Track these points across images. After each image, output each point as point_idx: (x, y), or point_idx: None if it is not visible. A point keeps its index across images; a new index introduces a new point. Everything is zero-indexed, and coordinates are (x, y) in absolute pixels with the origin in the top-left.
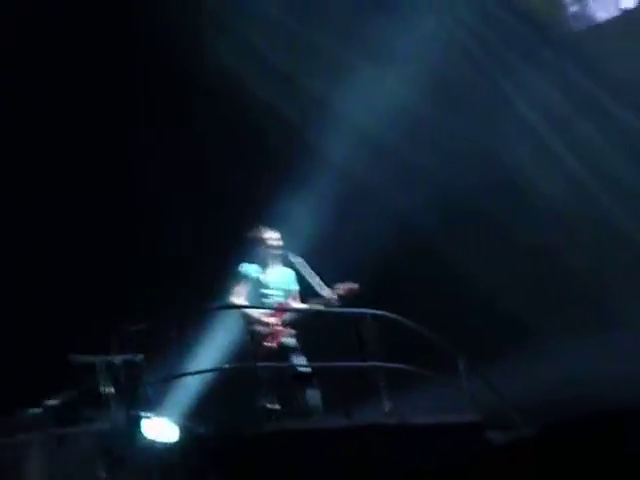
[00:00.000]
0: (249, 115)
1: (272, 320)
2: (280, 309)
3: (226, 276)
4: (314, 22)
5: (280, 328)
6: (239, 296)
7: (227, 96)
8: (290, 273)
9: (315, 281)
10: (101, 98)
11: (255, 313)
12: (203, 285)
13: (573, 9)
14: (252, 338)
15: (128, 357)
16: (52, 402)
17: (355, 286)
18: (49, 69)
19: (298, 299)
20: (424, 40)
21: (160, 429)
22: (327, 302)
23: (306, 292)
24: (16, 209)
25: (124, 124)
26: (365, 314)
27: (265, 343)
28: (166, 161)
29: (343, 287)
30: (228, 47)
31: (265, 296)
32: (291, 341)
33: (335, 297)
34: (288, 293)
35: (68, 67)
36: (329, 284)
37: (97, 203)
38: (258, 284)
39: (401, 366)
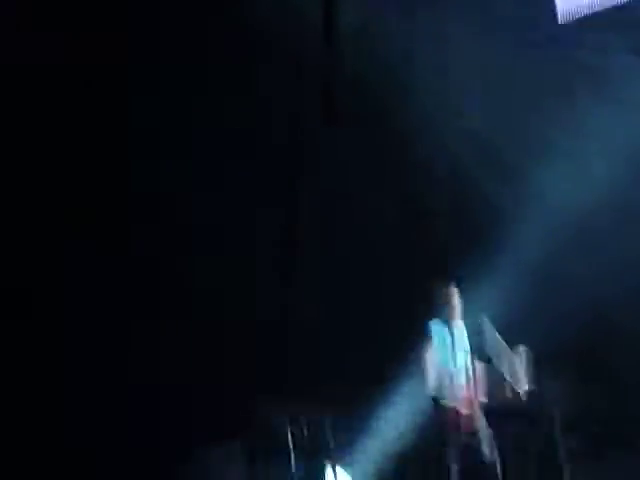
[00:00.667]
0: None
1: (464, 407)
2: (470, 398)
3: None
4: None
5: (471, 413)
6: (430, 359)
7: None
8: (464, 332)
9: (507, 359)
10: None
11: (447, 401)
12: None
13: None
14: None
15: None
16: None
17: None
18: None
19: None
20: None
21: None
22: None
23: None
24: None
25: None
26: (554, 415)
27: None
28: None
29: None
30: None
31: (452, 357)
32: (482, 428)
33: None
34: (468, 353)
35: None
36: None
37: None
38: (445, 345)
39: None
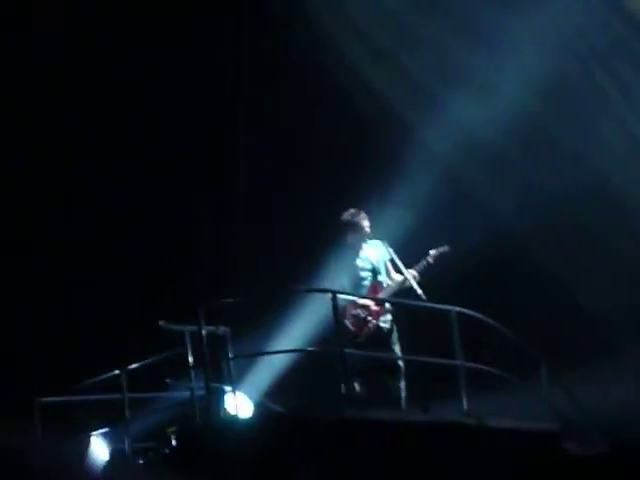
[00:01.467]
0: (356, 100)
1: (368, 302)
2: (375, 290)
3: (318, 258)
4: (432, 16)
5: (375, 307)
6: (332, 279)
7: (338, 81)
8: (377, 246)
9: (403, 270)
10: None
11: (349, 298)
12: (294, 265)
13: None
14: (350, 321)
15: (214, 329)
16: (133, 366)
17: (446, 249)
18: None
19: (390, 268)
20: (536, 39)
21: (238, 404)
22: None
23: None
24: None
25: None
26: (450, 311)
27: (364, 326)
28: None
29: (435, 253)
30: (345, 37)
31: (360, 279)
32: (389, 325)
33: (417, 275)
34: (378, 270)
35: None
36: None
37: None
38: (351, 268)
39: (485, 367)
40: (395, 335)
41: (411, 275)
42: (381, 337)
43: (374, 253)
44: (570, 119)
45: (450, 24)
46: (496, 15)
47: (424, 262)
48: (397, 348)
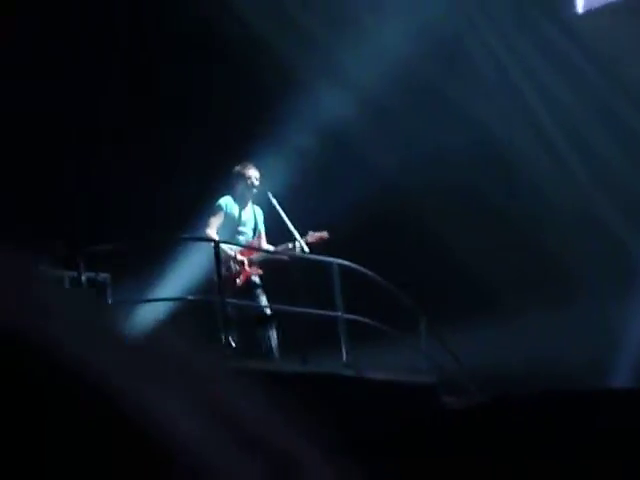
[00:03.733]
0: (243, 50)
1: (244, 258)
2: (253, 248)
3: (202, 206)
4: None
5: (249, 267)
6: (215, 229)
7: (222, 29)
8: (260, 212)
9: (289, 225)
10: None
11: (228, 249)
12: (177, 213)
13: None
14: (224, 273)
15: (93, 276)
16: None
17: (325, 235)
18: None
19: (263, 239)
20: (433, 7)
21: None
22: (298, 247)
23: (275, 233)
24: None
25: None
26: (332, 263)
27: (235, 279)
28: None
29: (314, 235)
30: None
31: (239, 233)
32: (258, 281)
33: (305, 245)
34: (257, 232)
35: None
36: (300, 231)
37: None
38: (234, 220)
39: (364, 319)
40: (259, 289)
41: (295, 230)
42: (248, 291)
43: (261, 217)
44: (458, 78)
45: None
46: None
47: (301, 243)
48: (264, 299)
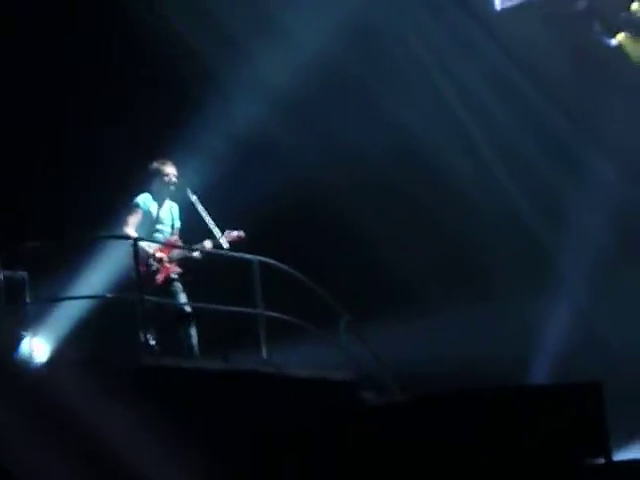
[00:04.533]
0: (163, 46)
1: (163, 255)
2: (171, 245)
3: (120, 204)
4: None
5: (168, 264)
6: (133, 227)
7: (143, 27)
8: (176, 209)
9: (209, 222)
10: None
11: (147, 247)
12: (95, 210)
13: None
14: (143, 270)
15: (12, 274)
16: None
17: (242, 234)
18: None
19: (178, 236)
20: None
21: (34, 348)
22: (217, 245)
23: (192, 230)
24: None
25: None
26: (252, 260)
27: (154, 277)
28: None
29: (231, 234)
30: None
31: (157, 231)
32: (177, 278)
33: (226, 242)
34: (174, 229)
35: None
36: (220, 229)
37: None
38: (152, 218)
39: (284, 317)
40: (179, 286)
41: (215, 226)
42: (167, 289)
43: (177, 214)
44: (378, 75)
45: None
46: None
47: (221, 240)
48: (183, 296)
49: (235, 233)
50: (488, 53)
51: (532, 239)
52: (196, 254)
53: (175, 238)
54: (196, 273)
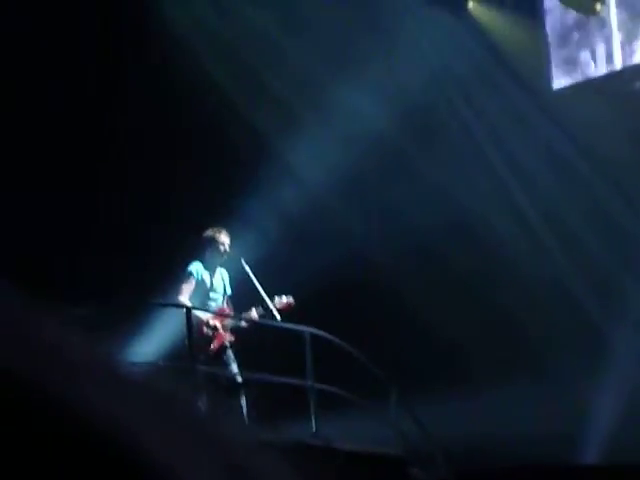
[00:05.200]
0: (220, 119)
1: (217, 323)
2: (225, 314)
3: (173, 272)
4: (298, 35)
5: (222, 332)
6: (186, 295)
7: (201, 99)
8: (226, 276)
9: (261, 291)
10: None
11: (200, 314)
12: (150, 279)
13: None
14: (196, 338)
15: None
16: None
17: (292, 301)
18: None
19: (230, 304)
20: (405, 75)
21: None
22: (268, 313)
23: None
24: None
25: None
26: (304, 331)
27: (209, 345)
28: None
29: (281, 301)
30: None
31: (210, 299)
32: (229, 347)
33: (277, 312)
34: (226, 296)
35: None
36: (270, 296)
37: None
38: (205, 286)
39: (334, 389)
40: (231, 355)
41: (267, 297)
42: (219, 358)
43: (227, 281)
44: (431, 150)
45: (315, 45)
46: (364, 40)
47: (268, 310)
48: (235, 366)
49: (285, 300)
50: (543, 131)
51: (583, 315)
52: (244, 324)
53: (228, 307)
54: (246, 342)
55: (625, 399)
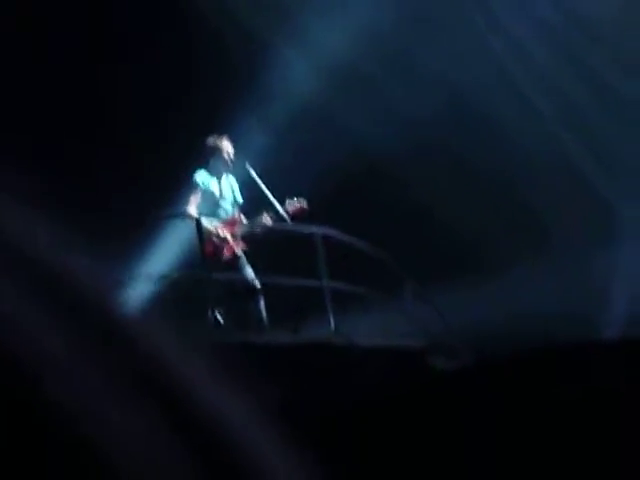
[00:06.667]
0: (211, 23)
1: (227, 232)
2: (235, 222)
3: (181, 182)
4: None
5: (233, 242)
6: (194, 206)
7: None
8: (235, 183)
9: (270, 196)
10: None
11: (209, 225)
12: (158, 190)
13: None
14: (207, 249)
15: None
16: None
17: (304, 205)
18: None
19: (240, 211)
20: None
21: None
22: (280, 218)
23: (256, 204)
24: None
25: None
26: (315, 232)
27: (220, 255)
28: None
29: (293, 205)
30: None
31: (218, 207)
32: (242, 254)
33: (287, 215)
34: (236, 204)
35: None
36: (279, 200)
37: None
38: (212, 195)
39: (350, 287)
40: (244, 261)
41: (275, 200)
42: (234, 264)
43: (237, 189)
44: (426, 37)
45: None
46: None
47: (279, 215)
48: (250, 271)
49: (297, 204)
50: (538, 6)
51: (591, 191)
52: (258, 230)
53: (238, 214)
54: (260, 247)
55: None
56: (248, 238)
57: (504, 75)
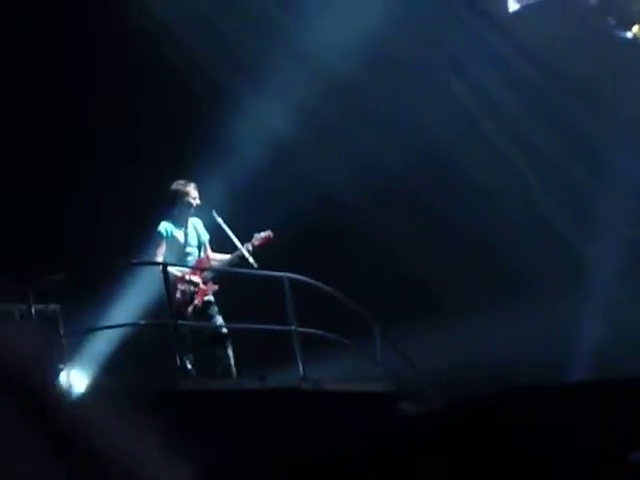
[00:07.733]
0: (178, 69)
1: (196, 278)
2: (202, 268)
3: (145, 230)
4: None
5: (204, 286)
6: (160, 257)
7: (157, 49)
8: (200, 224)
9: (236, 242)
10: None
11: (177, 272)
12: (121, 239)
13: None
14: (178, 297)
15: (44, 308)
16: None
17: (270, 234)
18: None
19: (209, 249)
20: (361, 13)
21: (73, 380)
22: (242, 256)
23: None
24: None
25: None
26: (283, 277)
27: (191, 302)
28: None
29: (259, 236)
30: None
31: (186, 254)
32: (212, 299)
33: (252, 259)
34: (203, 245)
35: None
36: (245, 238)
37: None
38: (178, 243)
39: (318, 332)
40: (215, 307)
41: (241, 245)
42: (204, 311)
43: (202, 228)
44: (394, 87)
45: None
46: None
47: (248, 246)
48: (219, 318)
49: (263, 234)
50: (504, 53)
51: (559, 239)
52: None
53: (207, 254)
54: (227, 294)
55: (604, 315)
56: (219, 278)
57: (475, 126)
